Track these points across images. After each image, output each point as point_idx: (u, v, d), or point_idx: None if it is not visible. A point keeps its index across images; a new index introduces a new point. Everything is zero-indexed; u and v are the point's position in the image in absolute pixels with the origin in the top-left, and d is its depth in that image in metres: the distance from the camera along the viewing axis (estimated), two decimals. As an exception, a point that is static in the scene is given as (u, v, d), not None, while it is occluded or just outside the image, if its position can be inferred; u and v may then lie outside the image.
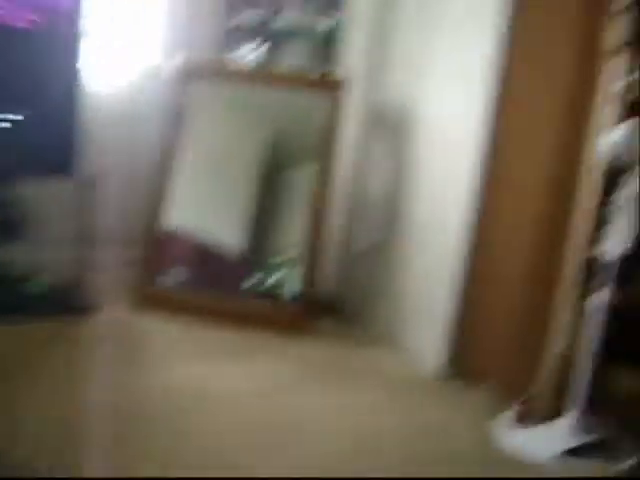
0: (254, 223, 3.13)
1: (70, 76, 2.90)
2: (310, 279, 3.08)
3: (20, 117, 2.84)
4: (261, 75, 3.24)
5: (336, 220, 3.28)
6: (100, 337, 2.75)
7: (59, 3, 2.83)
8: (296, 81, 3.22)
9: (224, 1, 3.46)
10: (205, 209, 3.17)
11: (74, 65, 2.91)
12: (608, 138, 2.21)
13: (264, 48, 3.30)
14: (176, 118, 3.18)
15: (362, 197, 3.33)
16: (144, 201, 3.12)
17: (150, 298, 3.06)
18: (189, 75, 3.21)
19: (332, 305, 3.29)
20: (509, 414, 2.39)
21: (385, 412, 2.40)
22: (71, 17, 2.86)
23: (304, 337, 2.95)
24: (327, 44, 3.41)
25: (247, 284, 3.08)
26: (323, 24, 3.40)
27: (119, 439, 2.02)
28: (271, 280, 3.09)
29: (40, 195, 3.05)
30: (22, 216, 2.91)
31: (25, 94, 2.84)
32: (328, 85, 3.14)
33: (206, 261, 3.12)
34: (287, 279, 3.09)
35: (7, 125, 2.82)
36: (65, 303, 2.94)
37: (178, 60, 3.25)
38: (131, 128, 3.36)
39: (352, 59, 3.34)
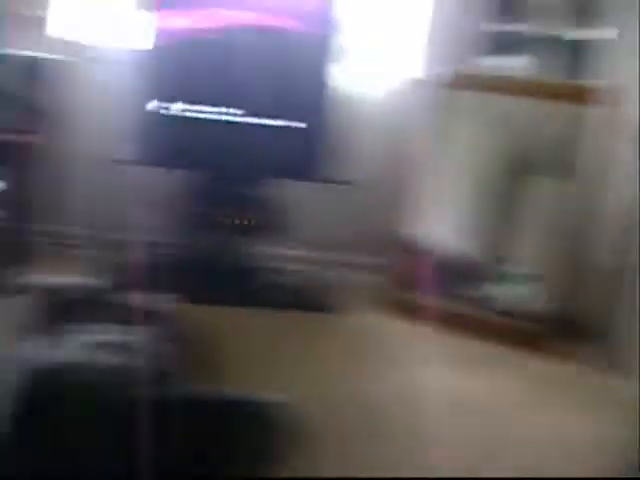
0: (493, 233, 3.17)
1: (328, 82, 3.09)
2: (552, 295, 3.01)
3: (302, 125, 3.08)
4: (520, 85, 3.12)
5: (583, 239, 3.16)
6: (341, 337, 2.82)
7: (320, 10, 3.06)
8: (554, 92, 3.05)
9: (480, 10, 3.41)
10: (451, 217, 3.21)
11: (330, 71, 3.09)
12: None
13: (522, 58, 3.24)
14: (428, 128, 3.20)
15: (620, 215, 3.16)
16: (396, 209, 3.17)
17: (399, 303, 3.09)
18: (445, 84, 3.19)
19: (577, 325, 3.12)
20: None
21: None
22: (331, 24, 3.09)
23: (543, 354, 2.87)
24: (582, 53, 3.26)
25: (483, 293, 3.11)
26: (579, 33, 3.27)
27: (352, 436, 2.01)
28: (507, 291, 3.09)
29: (299, 195, 3.23)
30: (283, 214, 3.07)
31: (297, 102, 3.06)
32: (586, 98, 2.97)
33: (444, 267, 3.10)
34: (524, 292, 3.07)
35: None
36: (313, 301, 3.12)
37: (436, 69, 3.25)
38: (388, 136, 3.42)
39: (623, 71, 3.12)
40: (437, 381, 2.49)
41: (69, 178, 3.39)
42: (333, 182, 3.09)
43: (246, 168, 3.14)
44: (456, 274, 3.19)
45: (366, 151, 3.41)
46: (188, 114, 3.09)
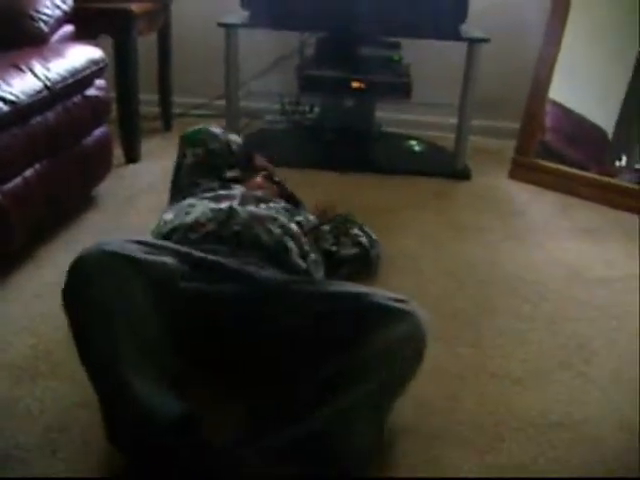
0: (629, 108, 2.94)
1: None
2: None
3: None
4: None
5: None
6: (471, 203, 2.80)
7: None
8: None
9: None
10: (581, 84, 3.02)
11: None
12: None
13: None
14: None
15: None
16: (528, 68, 3.02)
17: (527, 169, 3.02)
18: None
19: None
20: None
21: None
22: None
23: None
24: None
25: (619, 165, 2.97)
26: None
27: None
28: None
29: (427, 56, 3.16)
30: (408, 76, 3.00)
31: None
32: None
33: (577, 136, 3.05)
34: None
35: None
36: (440, 166, 3.09)
37: None
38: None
39: None
40: (563, 251, 2.42)
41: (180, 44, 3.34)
42: (468, 40, 2.85)
43: (369, 23, 2.91)
44: (590, 143, 3.02)
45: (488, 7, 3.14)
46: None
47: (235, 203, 1.77)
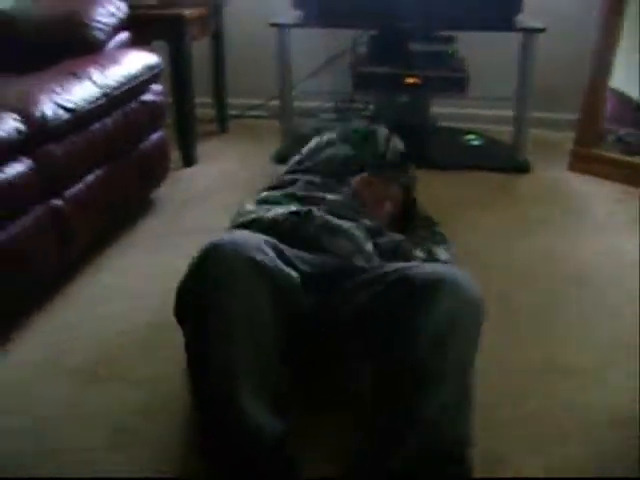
0: None
1: None
2: None
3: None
4: None
5: None
6: (532, 196, 2.77)
7: None
8: None
9: None
10: None
11: None
12: None
13: None
14: None
15: None
16: (581, 59, 2.97)
17: (587, 160, 2.97)
18: None
19: None
20: None
21: None
22: None
23: None
24: None
25: None
26: None
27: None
28: None
29: (483, 49, 3.12)
30: (463, 70, 2.96)
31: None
32: None
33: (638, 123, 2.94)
34: None
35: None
36: (499, 159, 3.05)
37: None
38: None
39: None
40: (623, 243, 2.36)
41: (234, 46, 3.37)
42: (523, 30, 2.79)
43: (423, 18, 2.88)
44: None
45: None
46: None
47: (317, 208, 1.70)
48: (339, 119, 3.36)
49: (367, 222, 1.77)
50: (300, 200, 1.78)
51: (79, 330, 1.85)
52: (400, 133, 2.80)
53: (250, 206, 1.80)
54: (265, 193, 1.88)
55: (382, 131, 2.13)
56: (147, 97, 2.41)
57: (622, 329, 1.87)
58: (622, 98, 2.94)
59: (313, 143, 2.12)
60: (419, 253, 1.84)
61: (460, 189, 2.77)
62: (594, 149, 2.93)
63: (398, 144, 2.16)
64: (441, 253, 1.89)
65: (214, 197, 2.66)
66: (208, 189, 2.75)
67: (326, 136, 2.12)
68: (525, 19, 2.82)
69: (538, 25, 2.77)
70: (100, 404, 1.58)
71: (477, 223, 2.45)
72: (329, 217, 1.67)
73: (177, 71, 2.82)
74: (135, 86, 2.31)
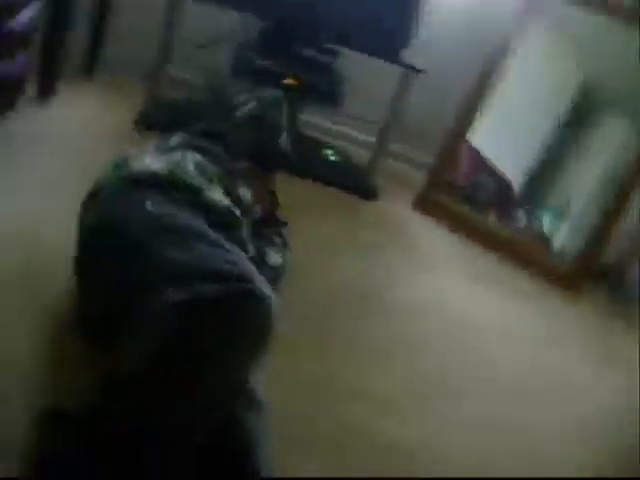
0: (541, 162, 3.11)
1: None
2: (593, 241, 2.90)
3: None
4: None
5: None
6: (371, 222, 2.85)
7: None
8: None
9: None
10: (500, 134, 3.13)
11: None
12: None
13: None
14: (505, 41, 3.01)
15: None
16: (454, 107, 3.07)
17: (431, 203, 3.07)
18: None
19: (611, 276, 3.07)
20: None
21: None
22: None
23: (568, 293, 2.82)
24: None
25: (518, 219, 3.08)
26: None
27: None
28: (545, 224, 3.06)
29: (362, 71, 3.10)
30: (341, 86, 2.96)
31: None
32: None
33: (484, 184, 3.13)
34: (563, 230, 3.05)
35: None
36: (350, 180, 3.09)
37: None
38: (467, 33, 3.21)
39: None
40: (443, 291, 2.50)
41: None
42: (405, 66, 2.92)
43: (314, 25, 2.95)
44: (498, 192, 3.12)
45: (444, 43, 3.19)
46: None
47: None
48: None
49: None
50: (223, 185, 1.73)
51: None
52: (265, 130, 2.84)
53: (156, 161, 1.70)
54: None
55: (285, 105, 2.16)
56: (17, 20, 2.26)
57: (414, 366, 1.98)
58: (478, 157, 3.13)
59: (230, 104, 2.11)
60: (250, 247, 1.85)
61: (304, 197, 2.80)
62: (441, 196, 3.09)
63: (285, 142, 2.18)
64: (272, 257, 1.94)
65: (66, 140, 2.53)
66: (62, 131, 2.60)
67: (242, 97, 2.10)
68: (410, 54, 2.93)
69: (419, 65, 2.90)
70: None
71: (310, 235, 2.48)
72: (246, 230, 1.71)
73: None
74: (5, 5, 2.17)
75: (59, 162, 2.36)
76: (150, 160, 1.68)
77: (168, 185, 1.59)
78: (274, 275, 1.90)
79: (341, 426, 1.64)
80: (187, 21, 2.96)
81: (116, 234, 1.48)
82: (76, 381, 1.43)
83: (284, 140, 2.14)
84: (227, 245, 1.43)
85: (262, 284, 1.30)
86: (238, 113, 2.03)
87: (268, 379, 1.40)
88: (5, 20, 2.21)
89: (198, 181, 1.66)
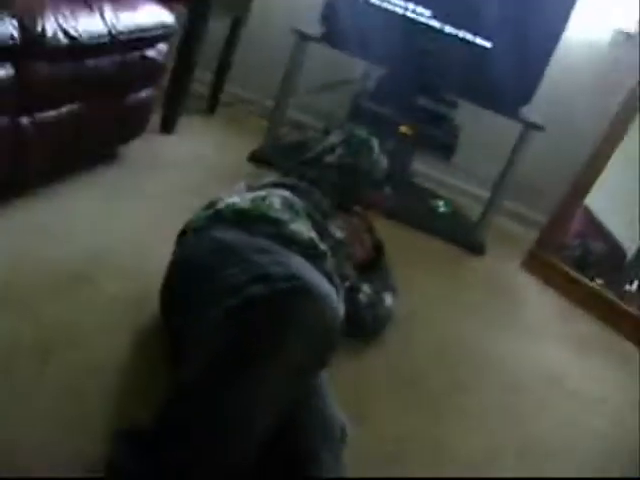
0: None
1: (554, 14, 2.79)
2: None
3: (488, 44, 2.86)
4: None
5: None
6: (476, 280, 2.79)
7: None
8: None
9: None
10: (618, 198, 3.03)
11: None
12: None
13: None
14: (633, 96, 2.87)
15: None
16: (572, 165, 3.02)
17: (541, 264, 2.98)
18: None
19: None
20: None
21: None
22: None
23: None
24: None
25: (628, 287, 2.91)
26: None
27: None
28: None
29: (480, 125, 3.12)
30: (456, 138, 2.98)
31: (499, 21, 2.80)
32: None
33: (595, 248, 3.02)
34: None
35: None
36: (459, 233, 3.05)
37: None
38: (584, 87, 3.17)
39: None
40: (548, 353, 2.41)
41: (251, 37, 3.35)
42: (525, 123, 2.85)
43: (435, 76, 2.94)
44: (609, 257, 2.97)
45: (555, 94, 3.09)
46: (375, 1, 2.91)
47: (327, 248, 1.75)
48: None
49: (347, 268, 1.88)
50: (312, 220, 1.77)
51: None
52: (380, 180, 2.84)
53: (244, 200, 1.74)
54: (280, 191, 1.82)
55: (376, 142, 2.17)
56: (151, 53, 2.36)
57: (510, 432, 1.89)
58: (591, 219, 3.02)
59: (317, 148, 2.13)
60: (366, 288, 1.94)
61: (412, 247, 2.78)
62: (551, 257, 2.99)
63: (384, 161, 2.20)
64: (387, 298, 2.02)
65: (179, 172, 2.62)
66: (176, 162, 2.71)
67: (329, 140, 2.13)
68: (530, 111, 2.88)
69: (539, 122, 2.83)
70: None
71: (416, 286, 2.45)
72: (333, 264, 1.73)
73: (187, 39, 2.79)
74: (143, 38, 2.27)
75: (171, 190, 2.44)
76: (237, 198, 1.73)
77: (252, 219, 1.63)
78: (389, 316, 2.04)
79: None
80: (308, 64, 3.02)
81: (190, 261, 1.57)
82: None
83: (378, 177, 2.16)
84: (284, 252, 1.44)
85: (316, 282, 1.28)
86: (327, 158, 2.06)
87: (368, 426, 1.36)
88: (144, 49, 2.32)
89: (282, 214, 1.68)
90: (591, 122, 3.03)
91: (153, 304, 1.74)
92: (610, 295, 2.83)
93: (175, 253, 1.69)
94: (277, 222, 1.64)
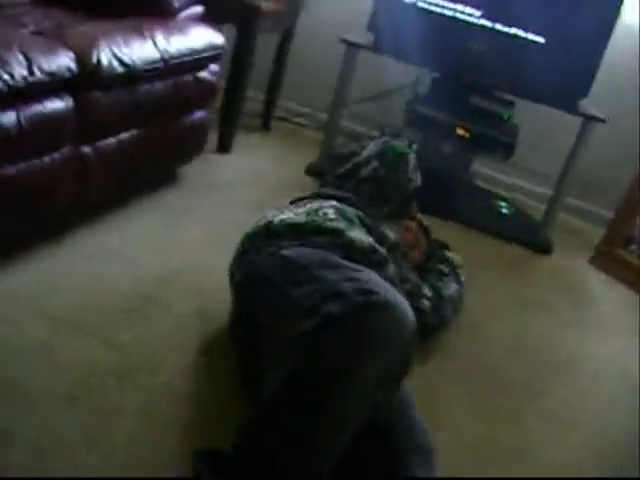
0: None
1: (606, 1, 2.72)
2: None
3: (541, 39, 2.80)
4: None
5: None
6: (545, 279, 2.74)
7: None
8: None
9: None
10: None
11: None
12: None
13: None
14: None
15: None
16: (635, 159, 2.89)
17: (611, 259, 2.92)
18: None
19: None
20: None
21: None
22: None
23: None
24: None
25: None
26: None
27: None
28: None
29: (538, 121, 3.09)
30: (514, 137, 2.94)
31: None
32: None
33: None
34: None
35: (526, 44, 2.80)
36: (524, 233, 3.01)
37: None
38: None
39: None
40: (623, 351, 2.34)
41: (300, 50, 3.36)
42: (585, 116, 2.78)
43: (488, 76, 2.89)
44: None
45: (626, 88, 3.02)
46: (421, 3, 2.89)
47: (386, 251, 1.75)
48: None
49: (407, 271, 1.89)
50: (365, 226, 1.78)
51: (67, 278, 1.84)
52: (436, 181, 2.81)
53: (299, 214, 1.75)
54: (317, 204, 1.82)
55: (413, 156, 2.13)
56: (203, 74, 2.40)
57: (593, 437, 1.83)
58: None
59: (353, 160, 2.12)
60: (427, 291, 1.93)
61: (477, 250, 2.74)
62: (620, 251, 2.91)
63: (418, 178, 2.17)
64: (446, 288, 2.01)
65: (238, 190, 2.65)
66: (235, 180, 2.73)
67: (366, 152, 2.12)
68: (588, 104, 2.81)
69: (599, 114, 2.76)
70: (71, 356, 1.56)
71: (484, 288, 2.41)
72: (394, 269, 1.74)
73: (238, 58, 2.82)
74: (194, 60, 2.30)
75: (230, 208, 2.47)
76: (287, 214, 1.73)
77: (308, 232, 1.63)
78: (453, 304, 2.03)
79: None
80: (359, 74, 3.01)
81: (257, 280, 1.56)
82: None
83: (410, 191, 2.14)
84: (351, 266, 1.43)
85: (390, 295, 1.27)
86: (363, 171, 2.04)
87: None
88: (196, 71, 2.36)
89: (338, 223, 1.68)
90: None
91: (218, 320, 1.77)
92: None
93: (236, 274, 1.70)
94: (334, 232, 1.64)
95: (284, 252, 1.55)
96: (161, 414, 1.47)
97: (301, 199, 1.90)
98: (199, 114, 2.48)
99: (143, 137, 2.18)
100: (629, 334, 2.45)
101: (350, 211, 1.78)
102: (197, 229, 2.28)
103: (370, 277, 1.37)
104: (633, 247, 2.91)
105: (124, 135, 2.10)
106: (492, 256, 2.75)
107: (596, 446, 1.79)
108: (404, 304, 1.28)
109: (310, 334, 1.24)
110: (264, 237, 1.67)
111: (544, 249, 2.91)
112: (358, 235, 1.68)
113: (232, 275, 1.73)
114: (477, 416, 1.74)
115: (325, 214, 1.71)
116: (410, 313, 1.28)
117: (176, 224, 2.28)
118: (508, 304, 2.41)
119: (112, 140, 2.05)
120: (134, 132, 2.14)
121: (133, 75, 2.01)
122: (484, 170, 3.35)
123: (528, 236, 2.97)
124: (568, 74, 2.77)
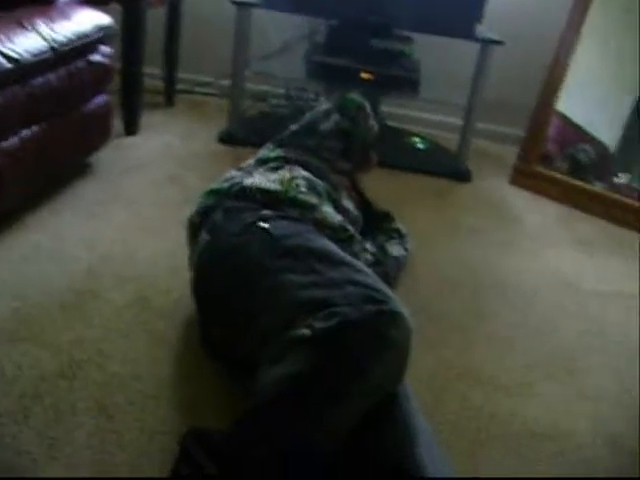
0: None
1: None
2: None
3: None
4: None
5: None
6: (469, 205, 2.78)
7: None
8: None
9: None
10: (587, 98, 2.97)
11: None
12: None
13: None
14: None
15: None
16: (536, 77, 3.00)
17: (529, 176, 2.99)
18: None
19: None
20: None
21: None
22: None
23: None
24: None
25: (619, 180, 2.89)
26: None
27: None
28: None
29: (438, 54, 3.12)
30: (417, 72, 2.94)
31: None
32: None
33: (579, 150, 2.98)
34: None
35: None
36: (441, 165, 3.05)
37: None
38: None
39: None
40: (557, 260, 2.42)
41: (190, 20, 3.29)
42: (482, 40, 2.82)
43: (383, 16, 2.90)
44: (595, 156, 2.96)
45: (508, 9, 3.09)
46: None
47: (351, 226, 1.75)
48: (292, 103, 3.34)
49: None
50: (332, 200, 1.76)
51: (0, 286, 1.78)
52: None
53: (262, 179, 1.70)
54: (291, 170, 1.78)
55: (369, 106, 2.11)
56: (95, 57, 2.32)
57: (542, 348, 1.90)
58: (566, 122, 3.01)
59: (309, 116, 2.06)
60: (369, 247, 1.92)
61: (398, 189, 2.77)
62: (536, 166, 2.99)
63: (375, 127, 2.17)
64: (393, 249, 2.00)
65: (153, 169, 2.60)
66: (148, 161, 2.68)
67: (323, 106, 2.08)
68: (484, 30, 2.85)
69: (495, 37, 2.80)
70: (12, 363, 1.51)
71: (410, 225, 2.42)
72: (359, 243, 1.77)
73: (128, 36, 2.73)
74: (83, 44, 2.22)
75: (148, 188, 2.43)
76: (259, 178, 1.69)
77: (282, 202, 1.61)
78: (398, 265, 1.99)
79: (465, 411, 1.59)
80: (255, 34, 2.97)
81: (237, 256, 1.49)
82: (213, 403, 1.46)
83: (373, 139, 2.14)
84: (347, 260, 1.42)
85: (397, 303, 1.29)
86: (322, 126, 1.99)
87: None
88: (87, 55, 2.28)
89: (310, 197, 1.67)
90: (547, 28, 3.01)
91: (157, 302, 1.75)
92: (604, 191, 2.84)
93: (200, 237, 1.62)
94: (306, 206, 1.63)
95: (266, 226, 1.49)
96: (116, 405, 1.45)
97: (265, 162, 1.83)
98: (99, 99, 2.41)
99: (45, 131, 2.11)
100: (563, 245, 2.54)
101: (319, 184, 1.76)
102: (120, 215, 2.23)
103: (375, 281, 1.37)
104: (559, 164, 3.00)
105: (26, 132, 2.02)
106: (415, 191, 2.79)
107: (548, 355, 1.86)
108: (405, 313, 1.29)
109: (322, 336, 1.23)
110: (232, 197, 1.62)
111: (464, 177, 2.97)
112: (328, 211, 1.68)
113: (192, 227, 1.66)
114: (427, 346, 1.78)
115: (297, 186, 1.68)
116: (409, 320, 1.29)
117: (98, 214, 2.22)
118: (438, 234, 2.46)
119: (15, 139, 1.97)
120: (35, 128, 2.06)
121: (23, 69, 1.93)
122: (393, 110, 3.37)
123: (446, 167, 3.02)
124: (460, 1, 2.80)
